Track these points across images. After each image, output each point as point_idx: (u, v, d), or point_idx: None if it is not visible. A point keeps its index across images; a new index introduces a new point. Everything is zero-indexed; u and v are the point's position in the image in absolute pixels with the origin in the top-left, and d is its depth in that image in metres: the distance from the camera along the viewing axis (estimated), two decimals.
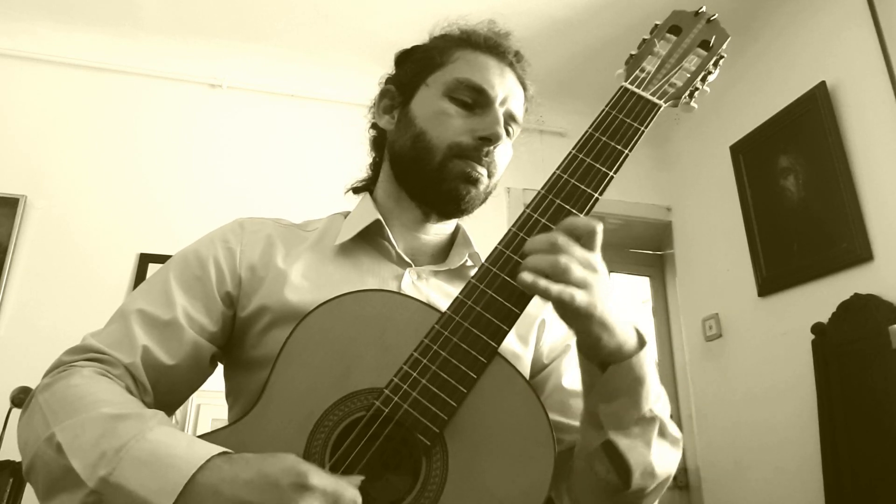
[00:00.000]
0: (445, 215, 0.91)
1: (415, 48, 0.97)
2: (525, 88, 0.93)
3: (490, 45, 0.90)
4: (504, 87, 0.88)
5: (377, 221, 0.87)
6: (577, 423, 0.78)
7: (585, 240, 0.64)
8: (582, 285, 0.61)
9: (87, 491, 0.55)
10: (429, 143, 0.85)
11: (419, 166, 0.86)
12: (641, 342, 0.68)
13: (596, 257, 0.64)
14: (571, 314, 0.62)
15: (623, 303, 0.65)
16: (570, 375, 0.88)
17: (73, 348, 0.74)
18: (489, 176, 0.87)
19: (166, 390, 0.75)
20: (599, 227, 0.64)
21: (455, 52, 0.90)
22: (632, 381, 0.66)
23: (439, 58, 0.90)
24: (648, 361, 0.68)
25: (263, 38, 2.74)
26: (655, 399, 0.69)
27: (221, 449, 0.58)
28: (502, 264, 0.67)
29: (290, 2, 2.54)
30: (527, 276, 0.59)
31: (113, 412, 0.61)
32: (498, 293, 0.66)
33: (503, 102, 0.87)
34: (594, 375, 0.67)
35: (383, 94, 0.95)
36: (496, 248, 0.68)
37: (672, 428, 0.73)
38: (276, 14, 2.60)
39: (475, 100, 0.86)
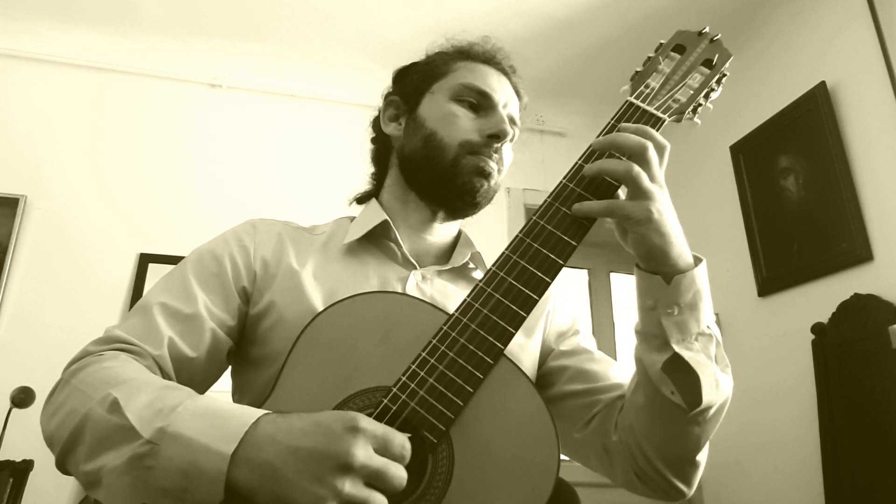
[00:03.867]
0: (456, 212, 0.94)
1: (413, 64, 1.01)
2: (520, 98, 0.99)
3: (487, 57, 0.97)
4: (504, 93, 0.94)
5: (385, 222, 0.90)
6: (609, 383, 0.86)
7: (660, 153, 0.70)
8: (645, 196, 0.67)
9: (142, 441, 0.56)
10: (440, 142, 0.89)
11: (432, 164, 0.89)
12: (697, 259, 0.73)
13: (662, 174, 0.71)
14: (629, 224, 0.68)
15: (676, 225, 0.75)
16: (592, 347, 0.95)
17: (98, 339, 0.75)
18: (498, 172, 0.91)
19: (186, 383, 0.75)
20: (668, 147, 0.72)
21: (456, 62, 0.96)
22: (695, 292, 0.70)
23: (441, 68, 0.96)
24: (706, 278, 0.72)
25: (263, 38, 2.74)
26: (711, 318, 0.73)
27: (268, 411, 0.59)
28: (509, 268, 0.69)
29: (290, 2, 2.54)
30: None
31: (162, 383, 0.63)
32: (505, 296, 0.68)
33: (504, 106, 0.93)
34: (658, 289, 0.70)
35: (388, 105, 0.99)
36: (503, 253, 0.70)
37: (723, 352, 0.76)
38: (276, 14, 2.60)
39: (480, 102, 0.92)
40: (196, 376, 0.78)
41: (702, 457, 0.78)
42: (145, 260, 2.46)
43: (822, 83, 2.30)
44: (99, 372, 0.66)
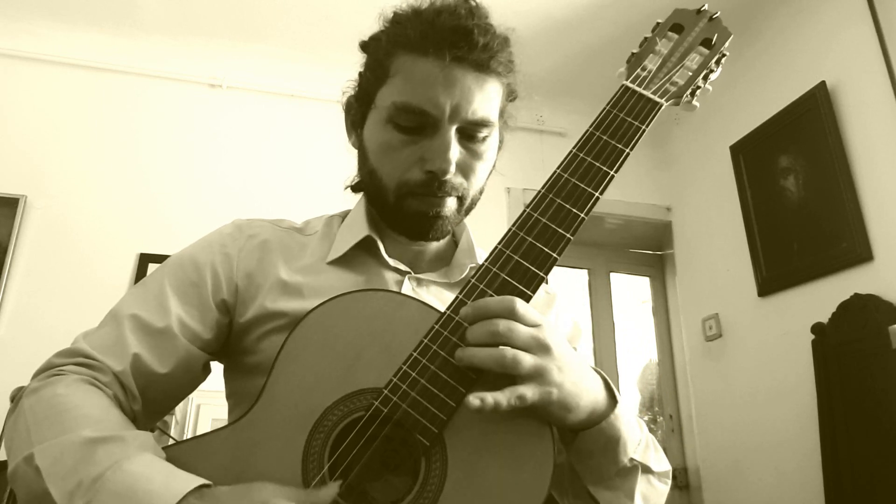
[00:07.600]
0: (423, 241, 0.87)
1: (375, 39, 0.84)
2: (491, 72, 0.77)
3: (429, 40, 0.75)
4: (453, 96, 0.74)
5: (368, 238, 0.84)
6: None
7: (517, 318, 0.61)
8: (533, 376, 0.60)
9: None
10: (381, 182, 0.80)
11: (380, 203, 0.83)
12: (613, 400, 0.67)
13: (542, 330, 0.62)
14: (530, 407, 0.61)
15: (586, 369, 0.66)
16: None
17: (63, 351, 0.74)
18: (459, 198, 0.80)
19: (156, 397, 0.75)
20: (518, 303, 0.61)
21: (396, 58, 0.78)
22: (605, 441, 0.67)
23: (383, 68, 0.79)
24: (623, 416, 0.67)
25: (263, 38, 2.74)
26: (634, 448, 0.69)
27: (198, 482, 0.57)
28: (502, 264, 0.66)
29: (290, 2, 2.54)
30: (474, 401, 0.57)
31: (93, 435, 0.60)
32: (498, 293, 0.65)
33: (455, 114, 0.75)
34: (567, 437, 0.68)
35: (348, 110, 0.90)
36: (496, 247, 0.68)
37: (656, 463, 0.73)
38: (276, 14, 2.60)
39: (420, 122, 0.76)
40: (168, 391, 0.76)
41: None
42: (145, 260, 2.46)
43: (822, 83, 2.30)
44: (49, 399, 0.65)
